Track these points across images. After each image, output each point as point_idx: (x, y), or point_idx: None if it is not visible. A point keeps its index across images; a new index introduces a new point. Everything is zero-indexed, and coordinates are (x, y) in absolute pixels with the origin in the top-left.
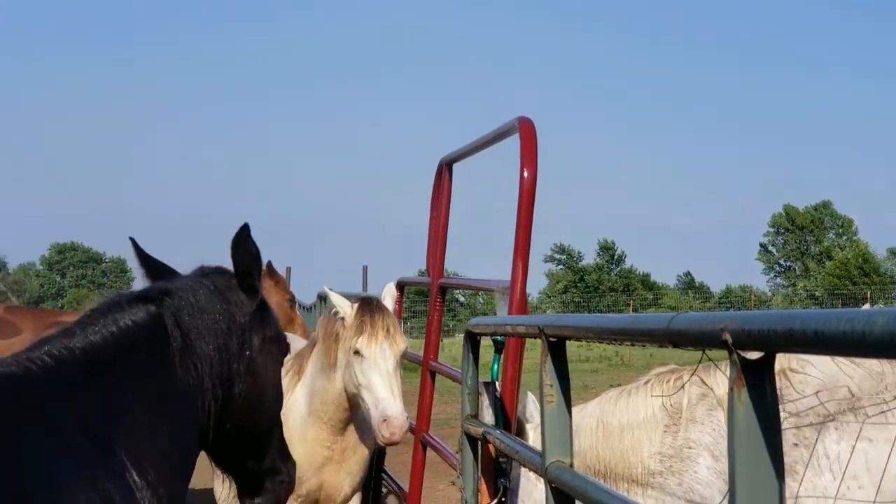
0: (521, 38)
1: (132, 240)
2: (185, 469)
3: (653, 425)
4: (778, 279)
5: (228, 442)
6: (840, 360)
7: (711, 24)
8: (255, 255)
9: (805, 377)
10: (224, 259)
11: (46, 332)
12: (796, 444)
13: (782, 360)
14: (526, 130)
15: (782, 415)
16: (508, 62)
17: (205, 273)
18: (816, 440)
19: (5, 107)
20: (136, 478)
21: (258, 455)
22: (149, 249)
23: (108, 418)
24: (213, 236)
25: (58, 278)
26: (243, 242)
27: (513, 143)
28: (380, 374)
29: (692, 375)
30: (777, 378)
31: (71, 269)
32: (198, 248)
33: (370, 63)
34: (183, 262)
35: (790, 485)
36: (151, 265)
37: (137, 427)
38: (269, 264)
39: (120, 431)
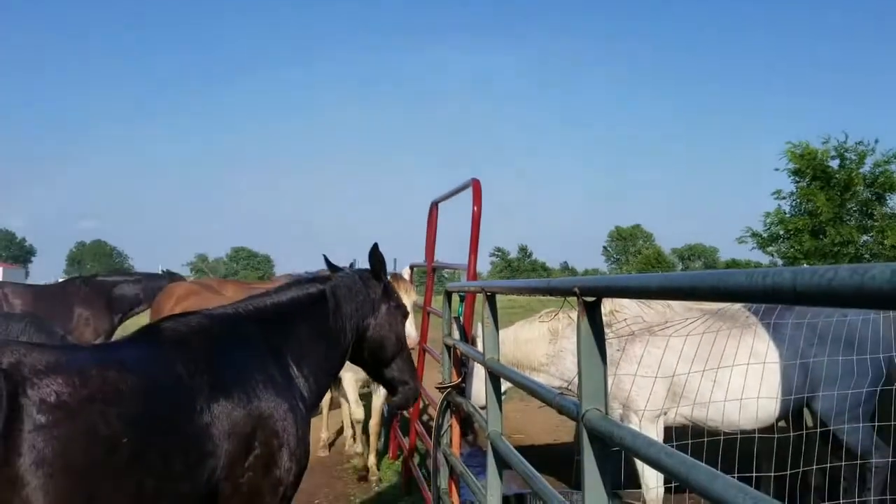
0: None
1: (325, 256)
2: (329, 372)
3: (544, 339)
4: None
5: (367, 361)
6: (641, 303)
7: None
8: (381, 259)
9: (622, 313)
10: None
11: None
12: (618, 350)
13: (611, 304)
14: (475, 185)
15: (611, 333)
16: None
17: (355, 270)
18: (626, 346)
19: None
20: (295, 371)
21: (388, 370)
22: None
23: (281, 339)
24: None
25: (234, 265)
26: (374, 252)
27: (469, 192)
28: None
29: (560, 312)
30: (609, 314)
31: (241, 261)
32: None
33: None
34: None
35: (614, 370)
36: (330, 265)
37: (300, 346)
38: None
39: (288, 346)
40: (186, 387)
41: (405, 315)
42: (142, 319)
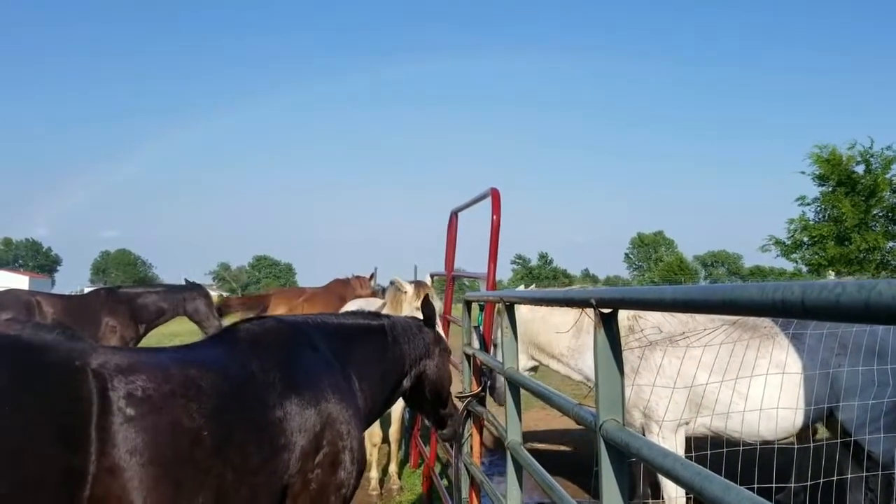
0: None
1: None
2: (383, 399)
3: (570, 332)
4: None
5: (427, 398)
6: (663, 313)
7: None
8: (433, 310)
9: (645, 322)
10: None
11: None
12: (639, 357)
13: (635, 314)
14: (494, 194)
15: (634, 341)
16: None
17: (409, 317)
18: (643, 355)
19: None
20: (357, 385)
21: (439, 406)
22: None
23: (346, 354)
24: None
25: (257, 274)
26: (427, 303)
27: (488, 201)
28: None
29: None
30: (633, 321)
31: (263, 269)
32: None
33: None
34: None
35: (635, 378)
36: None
37: (359, 365)
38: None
39: (352, 363)
40: (261, 384)
41: (449, 356)
42: (167, 329)
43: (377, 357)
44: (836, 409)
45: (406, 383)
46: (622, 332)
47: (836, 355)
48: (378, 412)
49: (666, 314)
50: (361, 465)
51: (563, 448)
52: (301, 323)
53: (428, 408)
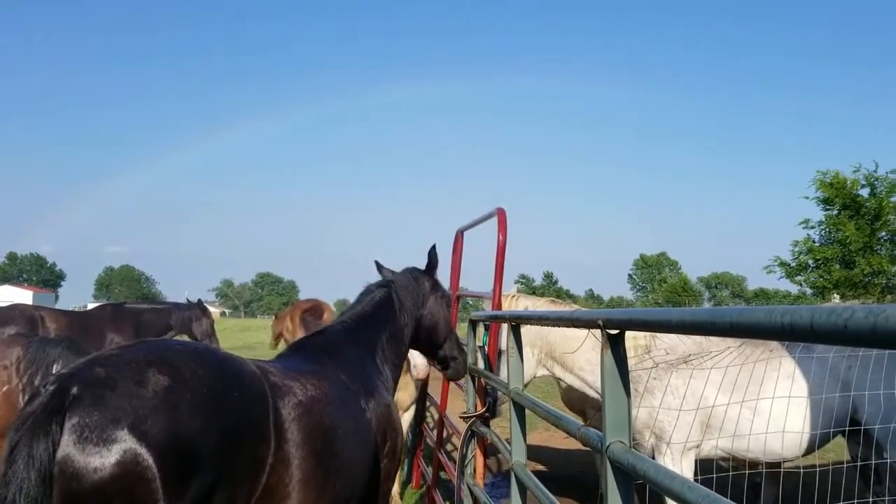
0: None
1: (376, 262)
2: (399, 364)
3: (590, 346)
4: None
5: (424, 339)
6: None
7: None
8: (436, 260)
9: (660, 342)
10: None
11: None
12: (654, 378)
13: (648, 334)
14: (500, 214)
15: (650, 361)
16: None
17: (408, 269)
18: (652, 375)
19: None
20: (383, 369)
21: (440, 346)
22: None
23: (375, 343)
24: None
25: (260, 291)
26: (433, 252)
27: (494, 220)
28: None
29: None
30: (649, 341)
31: (266, 286)
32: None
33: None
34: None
35: (651, 401)
36: (382, 270)
37: (383, 346)
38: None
39: (378, 347)
40: (353, 392)
41: (450, 303)
42: None
43: (392, 332)
44: (858, 415)
45: (408, 334)
46: (638, 353)
47: (846, 357)
48: (397, 380)
49: (683, 337)
50: (404, 447)
51: (567, 470)
52: (348, 329)
53: (427, 350)
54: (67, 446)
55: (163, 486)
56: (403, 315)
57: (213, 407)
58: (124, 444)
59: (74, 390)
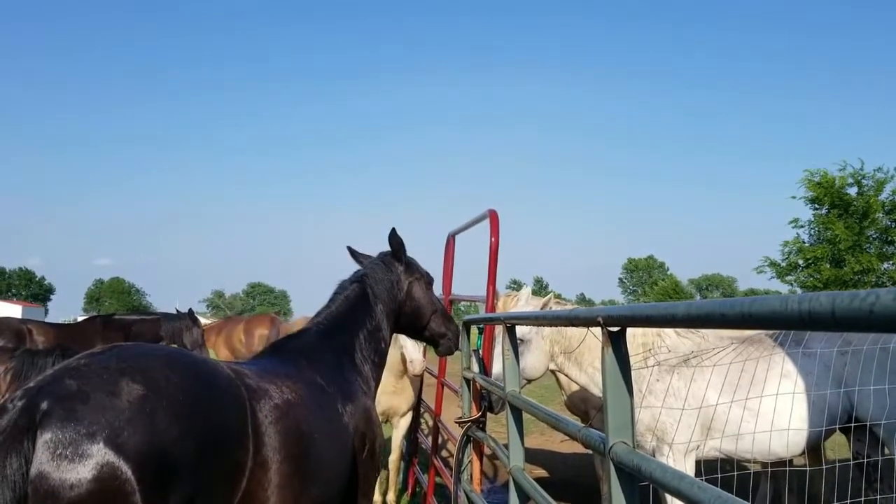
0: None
1: (349, 248)
2: (381, 352)
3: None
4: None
5: (407, 325)
6: (680, 333)
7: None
8: (400, 242)
9: (663, 342)
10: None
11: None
12: (657, 380)
13: (651, 333)
14: (492, 216)
15: (652, 361)
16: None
17: (380, 255)
18: (653, 375)
19: None
20: (362, 368)
21: (425, 327)
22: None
23: (352, 344)
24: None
25: (251, 301)
26: (393, 236)
27: (486, 223)
28: (412, 341)
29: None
30: (654, 339)
31: (258, 297)
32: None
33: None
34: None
35: (653, 402)
36: (357, 257)
37: (361, 346)
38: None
39: (356, 348)
40: (330, 395)
41: (430, 282)
42: None
43: (370, 328)
44: (856, 411)
45: (387, 327)
46: (641, 351)
47: (843, 353)
48: (379, 378)
49: (679, 335)
50: (382, 449)
51: (564, 473)
52: (325, 332)
53: (414, 332)
54: (41, 464)
55: (143, 498)
56: (380, 307)
57: (190, 414)
58: (100, 458)
59: (44, 405)
